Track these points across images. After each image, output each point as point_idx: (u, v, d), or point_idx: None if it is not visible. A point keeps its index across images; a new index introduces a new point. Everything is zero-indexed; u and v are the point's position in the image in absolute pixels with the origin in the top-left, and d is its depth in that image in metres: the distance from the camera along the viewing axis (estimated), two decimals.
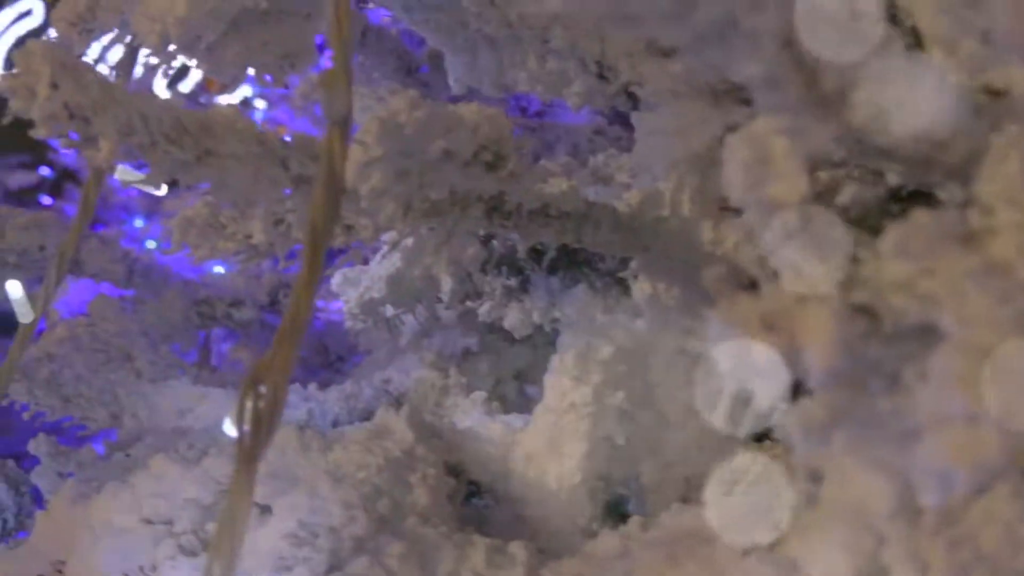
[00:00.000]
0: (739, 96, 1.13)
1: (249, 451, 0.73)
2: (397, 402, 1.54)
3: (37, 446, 1.42)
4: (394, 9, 1.27)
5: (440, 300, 1.35)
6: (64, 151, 7.07)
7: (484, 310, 1.37)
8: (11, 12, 9.90)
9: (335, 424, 1.47)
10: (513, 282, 1.35)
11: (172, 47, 1.11)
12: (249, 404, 0.73)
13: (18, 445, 1.84)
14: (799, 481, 0.72)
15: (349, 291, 1.33)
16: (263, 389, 0.73)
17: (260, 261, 1.09)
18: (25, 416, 1.47)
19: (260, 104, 6.01)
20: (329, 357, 1.92)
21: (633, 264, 1.18)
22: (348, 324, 1.46)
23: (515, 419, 1.45)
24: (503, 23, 1.10)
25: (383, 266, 1.30)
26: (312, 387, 1.51)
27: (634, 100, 1.20)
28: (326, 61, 2.13)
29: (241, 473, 0.73)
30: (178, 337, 1.76)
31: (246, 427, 0.73)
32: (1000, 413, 0.52)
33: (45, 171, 8.31)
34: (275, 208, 1.05)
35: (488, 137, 0.87)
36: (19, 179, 7.92)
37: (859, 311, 0.56)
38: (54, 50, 0.86)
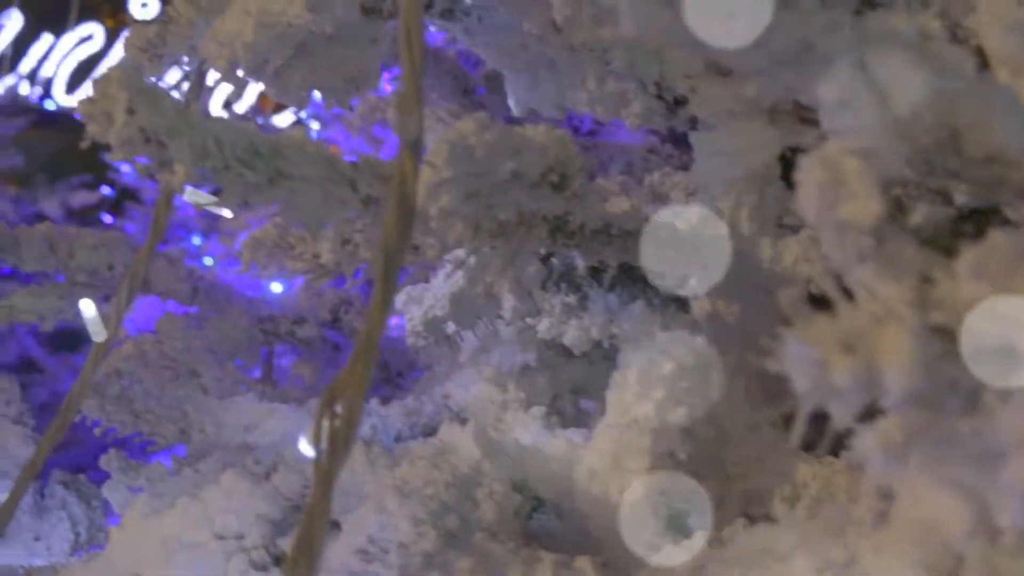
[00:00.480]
0: (798, 116, 1.13)
1: (326, 469, 0.73)
2: (457, 417, 1.54)
3: (108, 461, 1.43)
4: (455, 32, 1.27)
5: (501, 317, 1.34)
6: (125, 172, 7.13)
7: (544, 327, 1.37)
8: (73, 37, 10.01)
9: (398, 439, 1.47)
10: (572, 299, 1.35)
11: (240, 71, 1.11)
12: (326, 423, 0.73)
13: (84, 459, 1.85)
14: (869, 499, 0.71)
15: (413, 309, 1.33)
16: (339, 408, 0.73)
17: (327, 280, 1.10)
18: (96, 432, 1.48)
19: (314, 125, 6.05)
20: (389, 373, 1.92)
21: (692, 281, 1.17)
22: (410, 341, 1.46)
23: (573, 433, 1.45)
24: (564, 46, 1.10)
25: (446, 285, 1.30)
26: (374, 402, 1.51)
27: (692, 120, 1.19)
28: (386, 84, 2.14)
29: (319, 491, 0.73)
30: (241, 354, 1.76)
31: (323, 445, 0.73)
32: None
33: (106, 191, 8.39)
34: (343, 228, 1.05)
35: (555, 158, 0.86)
36: (81, 198, 8.02)
37: (936, 332, 0.55)
38: (131, 76, 0.87)
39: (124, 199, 8.73)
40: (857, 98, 0.59)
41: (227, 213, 1.21)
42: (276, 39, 1.07)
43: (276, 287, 3.70)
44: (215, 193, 1.06)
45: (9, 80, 9.99)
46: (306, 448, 0.81)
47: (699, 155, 1.17)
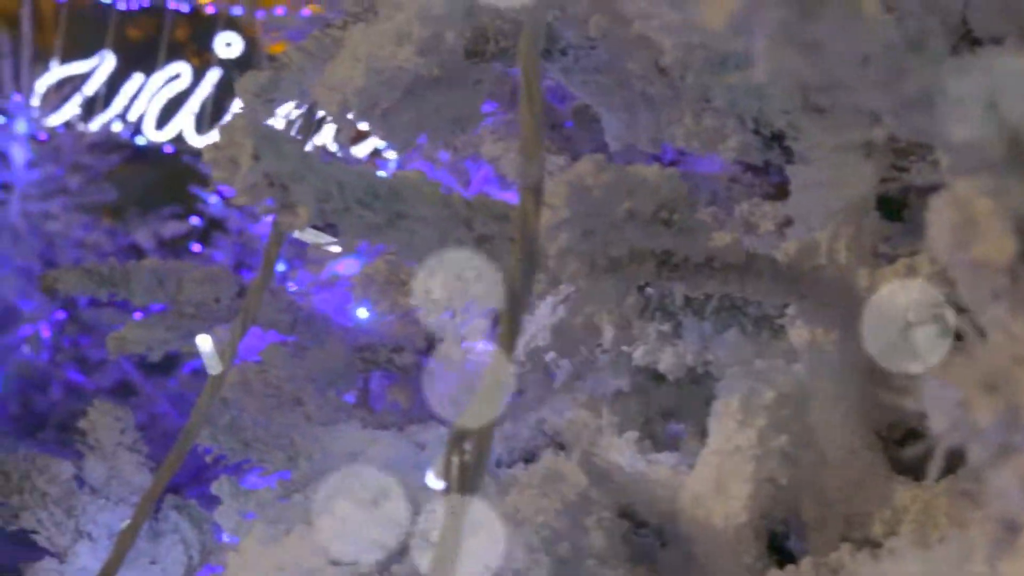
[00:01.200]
0: (893, 149, 1.11)
1: (457, 504, 0.72)
2: (553, 442, 1.53)
3: (220, 487, 1.43)
4: (552, 72, 1.26)
5: (600, 346, 1.34)
6: (212, 203, 7.19)
7: (639, 354, 1.36)
8: (161, 76, 10.12)
9: (497, 464, 1.46)
10: (666, 327, 1.34)
11: (350, 115, 1.11)
12: (456, 459, 0.72)
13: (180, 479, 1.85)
14: (991, 528, 0.69)
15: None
16: (468, 445, 0.73)
17: (439, 315, 1.09)
18: (208, 459, 1.48)
19: (391, 155, 6.08)
20: None
21: (790, 310, 1.16)
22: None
23: (667, 457, 1.43)
24: (666, 85, 1.09)
25: (547, 315, 1.29)
26: None
27: (787, 153, 1.18)
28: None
29: (449, 523, 0.72)
30: (340, 382, 1.76)
31: (452, 480, 0.72)
32: None
33: (195, 221, 8.47)
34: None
35: (667, 197, 0.85)
36: (171, 228, 8.10)
37: None
38: (255, 122, 0.87)
39: (212, 229, 8.83)
40: (988, 137, 0.58)
41: (335, 249, 1.21)
42: (386, 83, 1.07)
43: (362, 313, 3.73)
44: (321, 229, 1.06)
45: (103, 118, 10.13)
46: (433, 482, 0.80)
47: (796, 187, 1.15)
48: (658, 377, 1.47)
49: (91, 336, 7.37)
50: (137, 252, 7.97)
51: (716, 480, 1.10)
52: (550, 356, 1.41)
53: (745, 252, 1.05)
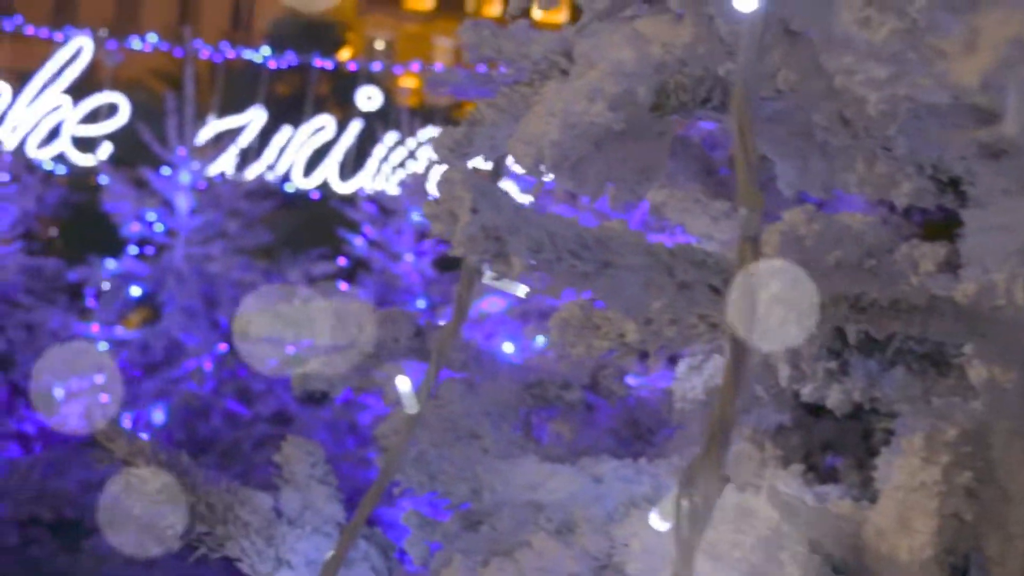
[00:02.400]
0: None
1: (687, 542, 0.70)
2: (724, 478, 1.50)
3: (408, 518, 1.43)
4: (727, 124, 1.24)
5: (774, 384, 1.31)
6: (357, 245, 7.27)
7: (807, 391, 1.32)
8: (308, 128, 10.30)
9: None
10: (833, 365, 1.31)
11: (542, 168, 1.10)
12: (685, 502, 0.70)
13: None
14: None
15: (694, 378, 1.30)
16: (696, 488, 0.71)
17: (632, 357, 1.07)
18: (395, 492, 1.47)
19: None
20: (639, 430, 1.89)
21: (967, 349, 1.12)
22: (678, 406, 1.43)
23: (831, 490, 1.40)
24: (850, 134, 1.06)
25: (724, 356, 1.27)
26: (643, 461, 1.48)
27: (960, 198, 1.14)
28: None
29: (681, 560, 0.70)
30: (511, 416, 1.75)
31: (682, 521, 0.71)
32: None
33: (341, 261, 8.59)
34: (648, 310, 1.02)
35: (872, 244, 0.83)
36: (320, 269, 8.21)
37: None
38: (472, 177, 0.86)
39: (357, 268, 8.95)
40: None
41: (520, 292, 1.20)
42: (579, 137, 1.06)
43: (508, 347, 3.74)
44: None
45: (257, 168, 10.33)
46: (657, 522, 0.78)
47: (971, 230, 1.12)
48: (816, 411, 1.44)
49: (250, 368, 7.49)
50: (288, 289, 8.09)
51: (900, 515, 1.07)
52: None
53: (929, 294, 1.02)
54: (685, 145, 1.77)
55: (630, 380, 1.87)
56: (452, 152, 1.19)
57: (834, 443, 1.56)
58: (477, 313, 4.30)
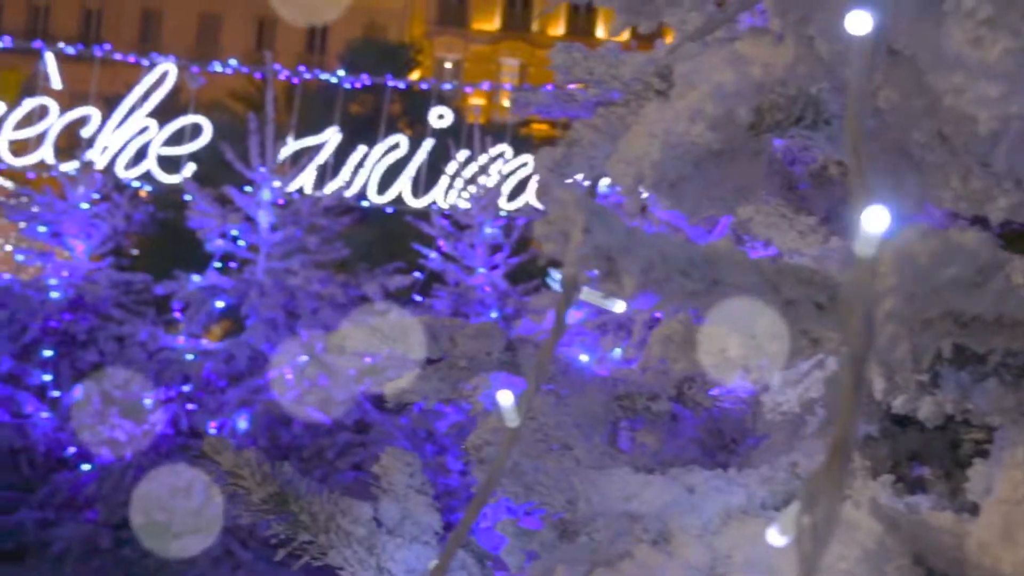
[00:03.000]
0: None
1: (810, 556, 0.68)
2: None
3: (504, 528, 1.42)
4: (816, 141, 1.22)
5: (869, 397, 1.28)
6: (432, 259, 7.28)
7: (899, 403, 1.30)
8: (382, 147, 10.35)
9: (762, 507, 1.42)
10: (925, 377, 1.28)
11: (642, 187, 1.08)
12: (807, 519, 0.68)
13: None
14: None
15: (789, 391, 1.28)
16: (817, 504, 0.69)
17: (734, 374, 1.06)
18: (491, 501, 1.46)
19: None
20: (724, 440, 1.87)
21: None
22: (768, 417, 1.41)
23: (921, 500, 1.37)
24: (947, 151, 1.04)
25: (819, 370, 1.25)
26: (732, 472, 1.46)
27: None
28: None
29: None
30: (599, 427, 1.74)
31: (803, 536, 0.69)
32: None
33: (416, 274, 8.60)
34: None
35: (985, 260, 0.80)
36: (396, 282, 8.23)
37: None
38: (584, 198, 0.85)
39: (431, 281, 8.97)
40: None
41: (618, 309, 1.18)
42: (679, 157, 1.04)
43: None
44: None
45: (334, 184, 10.40)
46: (775, 538, 0.76)
47: None
48: (902, 422, 1.41)
49: (329, 377, 7.52)
50: (367, 303, 8.13)
51: (1004, 529, 1.04)
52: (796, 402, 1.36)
53: None
54: (769, 162, 1.75)
55: (713, 391, 1.85)
56: (552, 171, 1.18)
57: (920, 453, 1.53)
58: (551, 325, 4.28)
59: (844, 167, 1.59)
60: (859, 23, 0.76)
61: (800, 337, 1.00)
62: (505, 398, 1.30)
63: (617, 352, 3.31)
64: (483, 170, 9.78)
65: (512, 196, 11.04)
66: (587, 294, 1.11)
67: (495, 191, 9.35)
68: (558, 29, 38.13)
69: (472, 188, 9.32)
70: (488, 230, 8.74)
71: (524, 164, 11.04)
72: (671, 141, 1.04)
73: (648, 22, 1.11)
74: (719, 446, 1.87)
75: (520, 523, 1.44)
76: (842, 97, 1.16)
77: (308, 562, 1.47)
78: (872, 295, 0.71)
